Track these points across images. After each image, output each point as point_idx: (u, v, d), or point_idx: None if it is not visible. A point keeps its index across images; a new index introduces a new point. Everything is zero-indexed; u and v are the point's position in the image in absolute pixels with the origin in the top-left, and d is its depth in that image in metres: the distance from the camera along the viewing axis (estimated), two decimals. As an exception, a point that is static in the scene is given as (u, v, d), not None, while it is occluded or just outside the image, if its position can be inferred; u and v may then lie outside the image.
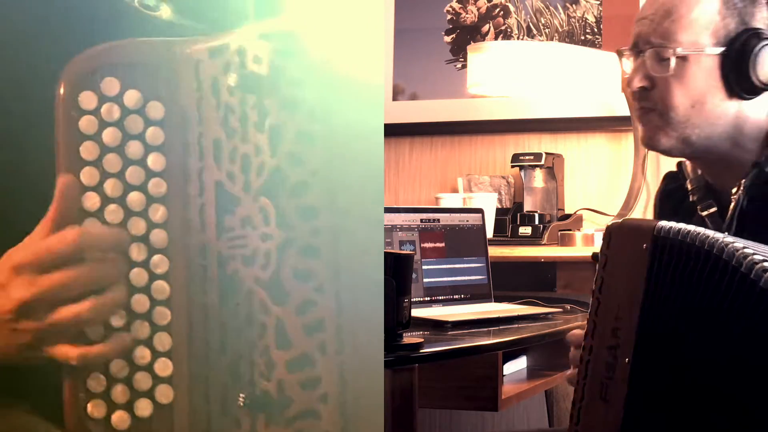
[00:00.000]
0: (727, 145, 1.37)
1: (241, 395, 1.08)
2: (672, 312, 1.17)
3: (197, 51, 1.12)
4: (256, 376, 1.08)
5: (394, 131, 3.03)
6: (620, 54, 1.42)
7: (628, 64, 1.41)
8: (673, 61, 1.34)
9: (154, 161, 1.11)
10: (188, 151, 1.11)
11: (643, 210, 2.78)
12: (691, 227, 1.19)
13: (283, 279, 1.08)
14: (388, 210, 2.05)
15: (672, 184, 1.52)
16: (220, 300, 1.10)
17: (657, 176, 2.80)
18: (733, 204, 1.34)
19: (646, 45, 1.38)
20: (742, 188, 1.34)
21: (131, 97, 1.11)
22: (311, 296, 1.07)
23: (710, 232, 1.16)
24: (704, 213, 1.41)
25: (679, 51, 1.34)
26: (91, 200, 1.10)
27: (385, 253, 1.39)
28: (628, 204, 2.78)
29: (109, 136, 1.10)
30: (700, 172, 1.45)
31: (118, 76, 1.11)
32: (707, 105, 1.35)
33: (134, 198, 1.10)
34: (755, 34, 1.34)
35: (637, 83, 1.38)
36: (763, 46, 1.33)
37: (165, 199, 1.11)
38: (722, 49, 1.34)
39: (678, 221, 1.27)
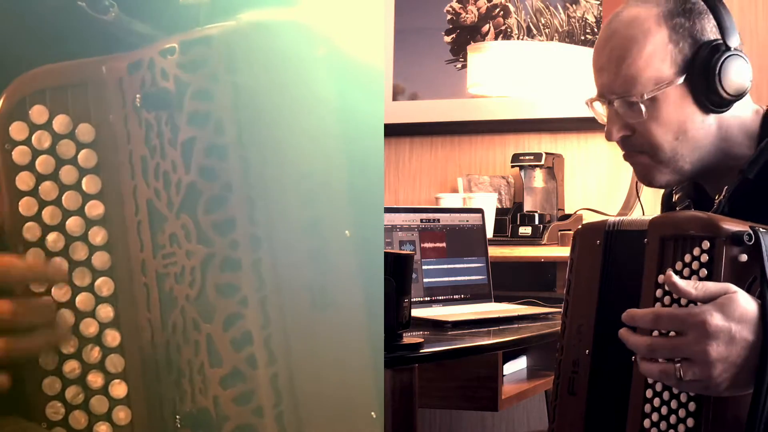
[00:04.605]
0: (719, 156, 1.36)
1: (177, 416, 1.08)
2: (620, 297, 1.20)
3: (120, 67, 1.11)
4: (196, 393, 1.07)
5: (394, 131, 3.04)
6: (590, 103, 1.42)
7: (600, 107, 1.40)
8: (643, 106, 1.33)
9: (89, 184, 1.11)
10: (121, 171, 1.11)
11: (642, 212, 2.78)
12: (637, 217, 1.25)
13: (208, 295, 1.06)
14: (388, 210, 2.05)
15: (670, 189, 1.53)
16: (162, 318, 1.10)
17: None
18: (714, 208, 1.34)
19: (612, 95, 1.36)
20: (724, 195, 1.34)
21: (60, 122, 1.11)
22: (236, 310, 1.06)
23: (649, 217, 1.20)
24: None
25: (646, 95, 1.33)
26: (32, 231, 1.10)
27: (385, 253, 1.39)
28: (628, 204, 2.78)
29: (43, 164, 1.10)
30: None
31: (45, 102, 1.11)
32: (689, 132, 1.34)
33: (73, 223, 1.11)
34: (712, 49, 1.32)
35: (617, 134, 1.37)
36: (723, 60, 1.32)
37: (104, 220, 1.11)
38: (685, 75, 1.33)
39: None
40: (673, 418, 1.12)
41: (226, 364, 1.06)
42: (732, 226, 1.11)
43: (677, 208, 1.44)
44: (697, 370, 1.06)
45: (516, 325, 1.88)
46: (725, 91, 1.32)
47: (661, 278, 1.13)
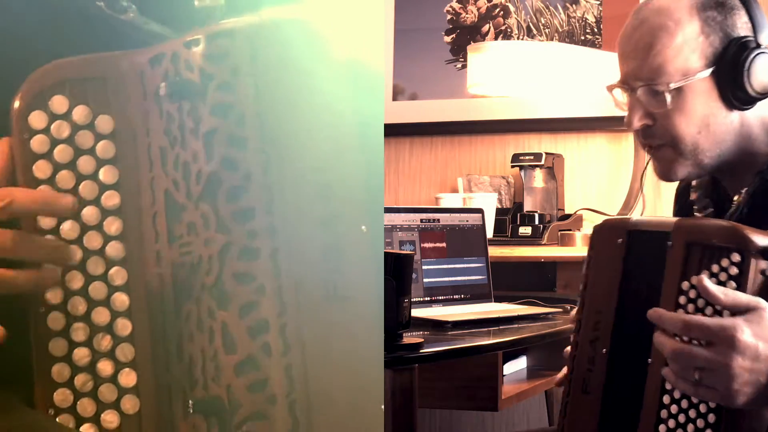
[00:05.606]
0: (739, 153, 1.35)
1: (190, 401, 1.09)
2: (641, 299, 1.19)
3: (140, 61, 1.12)
4: (209, 381, 1.08)
5: (394, 131, 3.03)
6: (609, 89, 1.40)
7: (619, 95, 1.39)
8: (668, 96, 1.31)
9: (107, 174, 1.12)
10: (139, 162, 1.12)
11: (642, 210, 2.78)
12: (661, 217, 1.24)
13: (225, 283, 1.07)
14: (388, 210, 2.05)
15: (687, 181, 1.51)
16: (175, 308, 1.10)
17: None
18: (732, 209, 1.34)
19: (636, 82, 1.34)
20: (743, 196, 1.33)
21: (80, 113, 1.12)
22: (253, 298, 1.07)
23: (676, 218, 1.20)
24: (700, 214, 1.41)
25: (673, 84, 1.31)
26: (47, 218, 1.10)
27: (385, 253, 1.39)
28: (628, 204, 2.78)
29: (61, 153, 1.11)
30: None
31: (66, 93, 1.12)
32: (712, 126, 1.32)
33: (89, 212, 1.11)
34: (742, 45, 1.31)
35: (638, 123, 1.35)
36: (753, 57, 1.30)
37: (120, 211, 1.12)
38: (713, 68, 1.31)
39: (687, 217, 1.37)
40: (690, 428, 1.12)
41: (241, 352, 1.06)
42: (761, 239, 1.10)
43: (694, 207, 1.43)
44: (717, 381, 1.07)
45: (516, 325, 1.88)
46: (752, 89, 1.30)
47: (685, 285, 1.13)
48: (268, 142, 1.08)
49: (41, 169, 1.10)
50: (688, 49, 1.31)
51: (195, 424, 1.08)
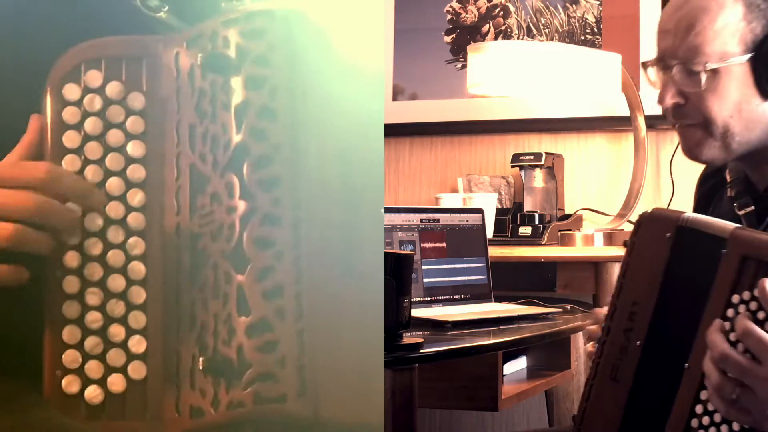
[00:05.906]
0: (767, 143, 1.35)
1: (201, 358, 1.11)
2: (683, 299, 1.18)
3: (177, 43, 1.16)
4: (220, 344, 1.10)
5: (394, 131, 3.04)
6: (644, 66, 1.40)
7: (653, 73, 1.39)
8: (703, 77, 1.31)
9: (134, 148, 1.15)
10: (167, 138, 1.16)
11: (670, 199, 2.77)
12: (714, 219, 1.21)
13: (245, 248, 1.10)
14: (388, 210, 2.05)
15: (711, 168, 1.50)
16: (191, 277, 1.13)
17: (657, 176, 2.80)
18: None
19: (672, 60, 1.35)
20: None
21: (113, 89, 1.16)
22: (271, 263, 1.09)
23: (731, 224, 1.18)
24: (741, 212, 1.39)
25: (709, 65, 1.31)
26: None
27: (385, 253, 1.40)
28: (628, 204, 2.77)
29: (91, 125, 1.15)
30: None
31: (101, 68, 1.16)
32: (744, 113, 1.33)
33: (113, 183, 1.15)
34: None
35: (670, 100, 1.36)
36: None
37: (143, 184, 1.15)
38: (751, 54, 1.31)
39: (712, 206, 1.38)
40: None
41: (255, 314, 1.09)
42: None
43: (735, 204, 1.41)
44: (754, 403, 1.06)
45: (516, 325, 1.88)
46: None
47: (735, 298, 1.11)
48: (297, 117, 1.11)
49: (71, 139, 1.14)
50: (728, 33, 1.32)
51: (202, 386, 1.10)
